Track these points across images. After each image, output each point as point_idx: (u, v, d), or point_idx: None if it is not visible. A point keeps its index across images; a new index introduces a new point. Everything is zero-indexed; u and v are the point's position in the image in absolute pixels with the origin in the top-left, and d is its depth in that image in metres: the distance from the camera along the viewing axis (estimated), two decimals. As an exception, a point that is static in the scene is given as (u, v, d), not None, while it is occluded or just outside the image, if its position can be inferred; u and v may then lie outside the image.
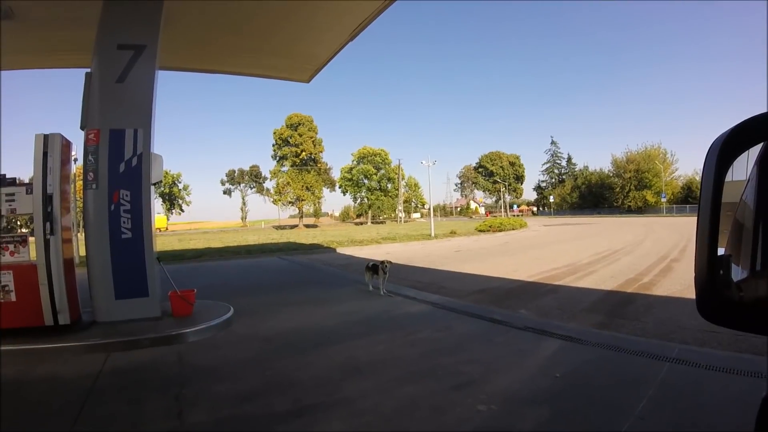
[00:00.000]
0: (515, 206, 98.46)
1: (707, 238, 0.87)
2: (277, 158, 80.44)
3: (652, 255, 15.02)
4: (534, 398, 3.77)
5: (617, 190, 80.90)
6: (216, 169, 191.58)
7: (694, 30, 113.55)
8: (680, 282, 9.63)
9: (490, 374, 4.36)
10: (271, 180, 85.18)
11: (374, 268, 9.13)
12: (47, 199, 5.99)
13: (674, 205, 71.90)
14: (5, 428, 3.51)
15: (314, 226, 77.57)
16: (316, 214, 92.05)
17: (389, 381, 4.27)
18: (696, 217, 0.88)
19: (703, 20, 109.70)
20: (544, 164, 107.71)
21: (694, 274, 0.83)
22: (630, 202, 78.32)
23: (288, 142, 78.23)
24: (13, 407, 3.95)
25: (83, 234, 6.79)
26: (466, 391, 3.94)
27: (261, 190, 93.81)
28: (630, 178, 78.30)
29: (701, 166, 0.88)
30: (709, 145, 0.92)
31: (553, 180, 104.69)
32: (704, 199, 0.88)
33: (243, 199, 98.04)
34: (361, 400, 3.84)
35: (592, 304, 8.12)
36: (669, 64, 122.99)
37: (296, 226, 75.33)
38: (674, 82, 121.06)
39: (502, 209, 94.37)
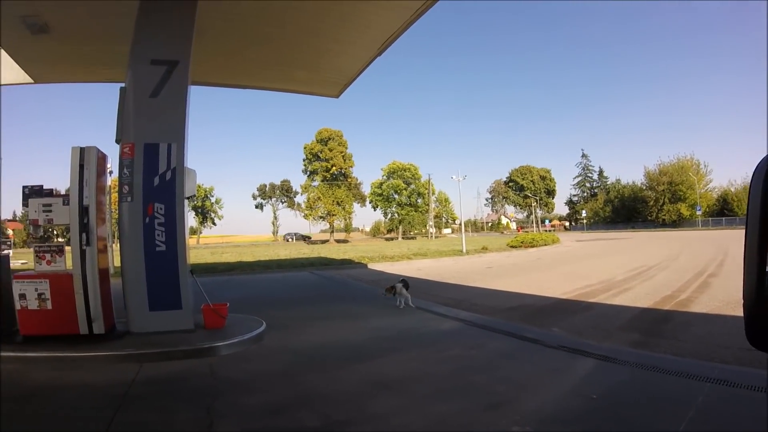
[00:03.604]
0: (547, 221, 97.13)
1: (756, 258, 0.82)
2: (308, 173, 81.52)
3: (689, 270, 14.56)
4: (569, 419, 3.62)
5: (651, 203, 79.30)
6: (248, 184, 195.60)
7: (723, 36, 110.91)
8: (719, 298, 9.28)
9: (523, 394, 4.23)
10: (301, 194, 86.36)
11: (392, 288, 9.25)
12: (83, 211, 6.12)
13: (710, 218, 70.18)
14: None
15: (345, 241, 77.88)
16: (347, 229, 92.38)
17: (420, 398, 4.17)
18: (744, 237, 0.82)
19: (732, 26, 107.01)
20: (575, 178, 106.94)
21: (742, 298, 0.77)
22: (664, 215, 76.72)
23: (318, 156, 79.19)
24: (45, 412, 4.01)
25: (118, 245, 6.89)
26: (499, 410, 3.82)
27: (292, 205, 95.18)
28: (663, 190, 76.77)
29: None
30: (756, 165, 0.87)
31: (585, 194, 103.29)
32: (752, 219, 0.85)
33: (274, 213, 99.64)
34: (392, 418, 3.75)
35: (627, 321, 7.87)
36: (701, 72, 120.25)
37: (327, 240, 75.73)
38: (706, 90, 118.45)
39: (534, 224, 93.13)
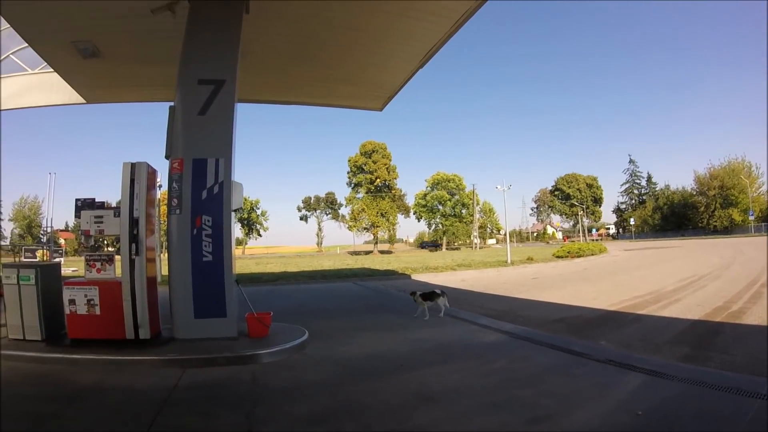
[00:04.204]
0: (594, 230, 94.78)
1: None
2: (352, 185, 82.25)
3: (742, 279, 13.88)
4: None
5: (701, 209, 76.17)
6: (293, 196, 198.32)
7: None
8: (773, 309, 8.79)
9: (568, 409, 4.09)
10: (346, 206, 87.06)
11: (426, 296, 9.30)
12: (133, 222, 6.42)
13: (763, 223, 66.76)
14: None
15: (389, 252, 78.00)
16: (391, 240, 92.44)
17: (462, 411, 4.11)
18: None
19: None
20: (622, 185, 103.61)
21: None
22: (715, 221, 73.55)
23: (362, 169, 79.79)
24: (89, 412, 4.18)
25: (167, 254, 7.12)
26: (543, 425, 3.72)
27: (336, 217, 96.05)
28: (714, 195, 73.51)
29: None
30: None
31: (633, 201, 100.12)
32: None
33: (319, 224, 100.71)
34: (433, 430, 3.72)
35: (677, 334, 7.55)
36: (751, 71, 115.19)
37: (371, 251, 76.01)
38: (757, 88, 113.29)
39: (580, 233, 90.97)
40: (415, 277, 21.31)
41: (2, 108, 12.92)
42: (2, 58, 12.73)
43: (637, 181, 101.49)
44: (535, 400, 4.32)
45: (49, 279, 6.71)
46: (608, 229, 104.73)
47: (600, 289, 14.27)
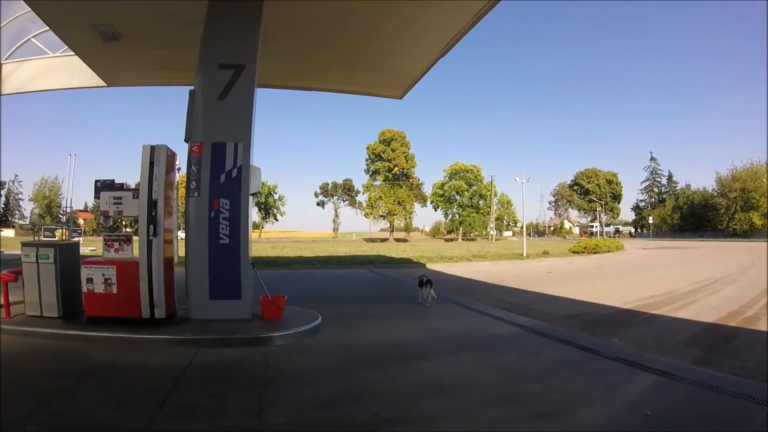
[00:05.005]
0: (612, 226, 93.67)
1: None
2: (370, 173, 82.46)
3: (758, 285, 13.64)
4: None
5: (721, 211, 74.77)
6: (310, 182, 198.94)
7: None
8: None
9: (576, 405, 4.08)
10: (363, 194, 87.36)
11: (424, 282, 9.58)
12: (152, 204, 6.52)
13: (783, 229, 65.47)
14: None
15: (404, 240, 78.12)
16: (407, 228, 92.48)
17: (471, 403, 4.12)
18: None
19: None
20: (642, 182, 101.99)
21: None
22: (735, 224, 72.04)
23: (381, 157, 79.81)
24: (103, 387, 4.28)
25: (184, 236, 7.22)
26: (550, 420, 3.72)
27: (353, 203, 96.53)
28: (735, 198, 72.10)
29: None
30: None
31: (653, 199, 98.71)
32: None
33: (335, 211, 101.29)
34: (440, 420, 3.73)
35: (690, 336, 7.47)
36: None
37: (387, 239, 76.11)
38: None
39: (597, 230, 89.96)
40: (430, 266, 21.33)
41: (25, 90, 13.17)
42: (23, 41, 12.92)
43: (658, 179, 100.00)
44: (543, 395, 4.32)
45: (68, 258, 6.87)
46: (618, 230, 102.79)
47: (615, 286, 14.15)
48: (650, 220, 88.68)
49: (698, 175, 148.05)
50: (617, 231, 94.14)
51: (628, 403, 4.20)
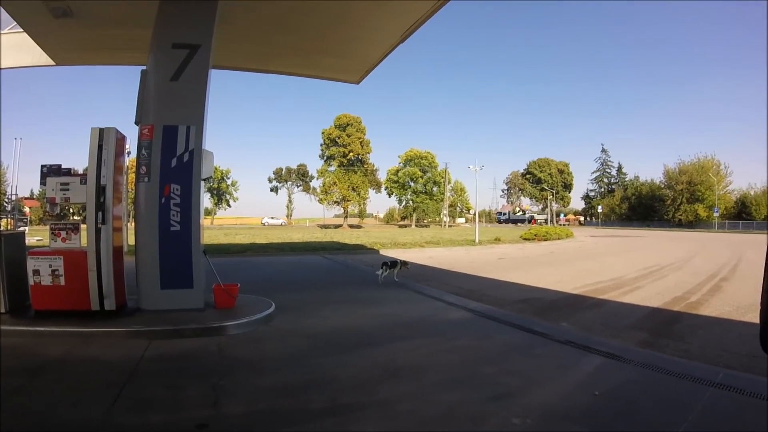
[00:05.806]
0: (562, 215, 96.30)
1: None
2: (325, 158, 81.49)
3: (702, 273, 14.35)
4: (571, 415, 3.62)
5: (668, 202, 77.80)
6: (264, 167, 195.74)
7: (746, 36, 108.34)
8: (729, 303, 9.14)
9: (528, 387, 4.23)
10: (317, 179, 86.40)
11: (392, 264, 10.75)
12: (100, 190, 6.24)
13: (726, 221, 68.70)
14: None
15: (358, 226, 78.02)
16: (361, 214, 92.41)
17: (427, 386, 4.21)
18: (767, 243, 0.82)
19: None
20: (593, 173, 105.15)
21: (760, 303, 0.78)
22: (681, 215, 75.22)
23: (336, 142, 79.09)
24: (55, 384, 4.12)
25: (133, 224, 7.00)
26: (503, 402, 3.83)
27: (307, 189, 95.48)
28: (682, 190, 75.15)
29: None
30: None
31: (603, 189, 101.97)
32: None
33: (289, 197, 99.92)
34: (398, 404, 3.79)
35: (637, 321, 7.82)
36: (726, 71, 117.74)
37: (341, 225, 75.94)
38: (733, 91, 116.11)
39: (548, 217, 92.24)
40: (384, 252, 21.41)
41: None
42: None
43: (608, 171, 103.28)
44: (497, 378, 4.46)
45: (13, 249, 6.53)
46: (577, 215, 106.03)
47: (565, 272, 14.62)
48: (599, 209, 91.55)
49: (647, 167, 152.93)
50: (558, 215, 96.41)
51: (578, 384, 4.38)
